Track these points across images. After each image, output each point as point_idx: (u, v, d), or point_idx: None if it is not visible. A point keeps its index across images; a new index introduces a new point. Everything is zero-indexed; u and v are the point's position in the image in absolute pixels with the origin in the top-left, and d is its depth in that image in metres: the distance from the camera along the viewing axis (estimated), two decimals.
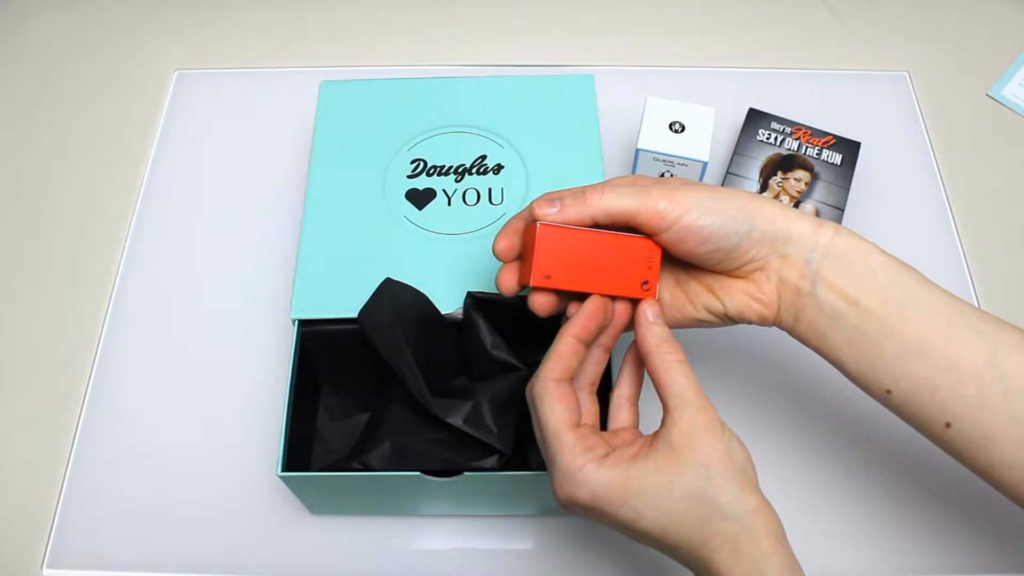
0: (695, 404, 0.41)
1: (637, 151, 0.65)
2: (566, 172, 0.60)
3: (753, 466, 0.42)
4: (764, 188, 0.67)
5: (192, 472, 0.59)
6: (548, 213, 0.43)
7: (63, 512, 0.58)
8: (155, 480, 0.59)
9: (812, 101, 0.77)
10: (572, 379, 0.43)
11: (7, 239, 0.71)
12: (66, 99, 0.79)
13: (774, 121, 0.71)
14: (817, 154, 0.69)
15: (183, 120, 0.77)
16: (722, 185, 0.68)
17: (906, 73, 0.80)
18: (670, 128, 0.65)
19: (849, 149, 0.70)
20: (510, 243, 0.45)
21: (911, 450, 0.59)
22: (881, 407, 0.45)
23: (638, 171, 0.65)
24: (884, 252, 0.44)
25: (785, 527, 0.41)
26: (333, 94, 0.64)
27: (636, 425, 0.45)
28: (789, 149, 0.69)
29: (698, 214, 0.42)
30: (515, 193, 0.59)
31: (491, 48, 0.82)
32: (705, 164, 0.63)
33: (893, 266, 0.43)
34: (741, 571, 0.39)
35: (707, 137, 0.65)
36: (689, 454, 0.40)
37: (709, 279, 0.46)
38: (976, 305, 0.65)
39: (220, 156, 0.75)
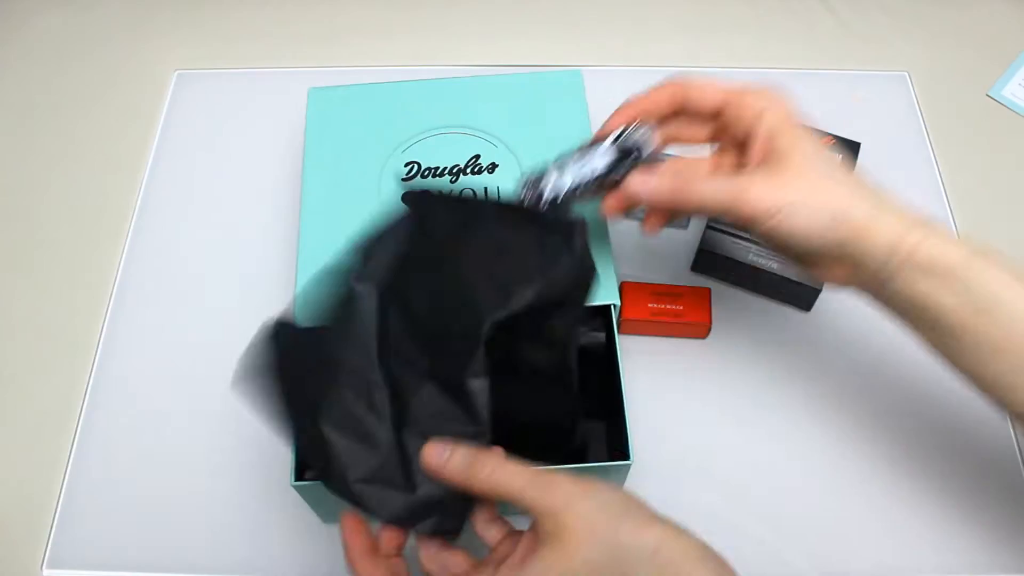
0: (540, 494, 0.39)
1: None
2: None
3: (635, 500, 0.40)
4: None
5: (193, 473, 0.59)
6: (637, 191, 0.47)
7: (63, 512, 0.58)
8: (155, 480, 0.59)
9: (812, 101, 0.77)
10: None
11: (7, 239, 0.71)
12: (66, 99, 0.79)
13: None
14: None
15: (183, 120, 0.77)
16: None
17: (906, 73, 0.80)
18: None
19: (849, 149, 0.69)
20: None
21: (913, 449, 0.60)
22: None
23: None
24: (973, 255, 0.43)
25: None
26: (322, 101, 0.64)
27: (509, 531, 0.44)
28: None
29: (786, 221, 0.44)
30: (511, 191, 0.59)
31: (491, 48, 0.82)
32: None
33: (980, 273, 0.43)
34: None
35: None
36: (572, 535, 0.38)
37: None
38: None
39: (220, 156, 0.75)
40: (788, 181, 0.44)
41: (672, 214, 0.51)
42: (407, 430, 0.45)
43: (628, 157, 0.49)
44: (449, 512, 0.43)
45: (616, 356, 0.54)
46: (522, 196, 0.49)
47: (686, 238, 0.69)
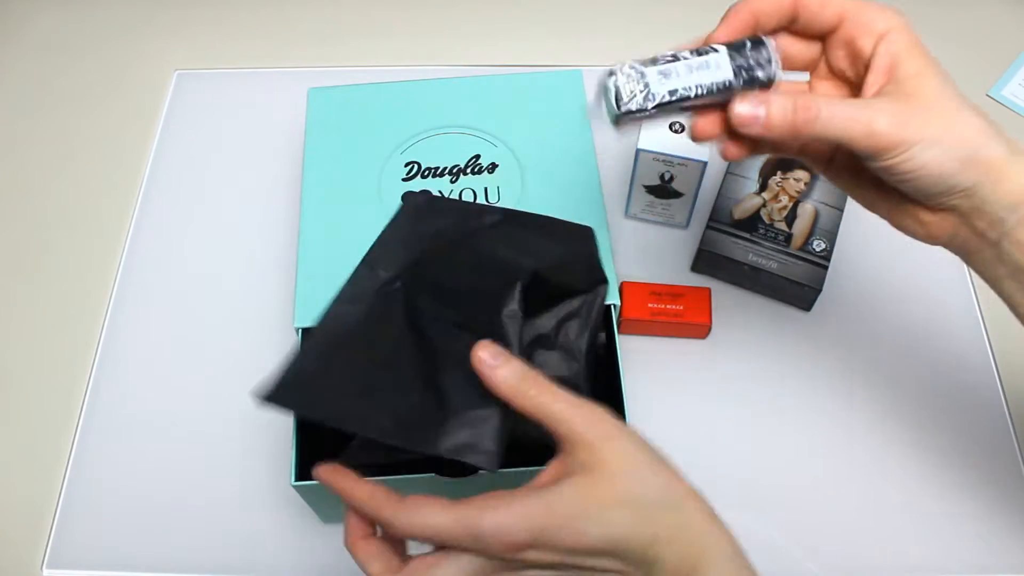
0: (584, 423, 0.38)
1: (637, 151, 0.65)
2: (561, 168, 0.60)
3: (659, 451, 0.40)
4: (764, 188, 0.67)
5: (193, 473, 0.59)
6: (748, 123, 0.40)
7: (63, 512, 0.58)
8: (155, 481, 0.59)
9: None
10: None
11: (8, 239, 0.71)
12: (66, 99, 0.79)
13: None
14: None
15: (183, 120, 0.77)
16: (723, 183, 0.67)
17: None
18: (670, 128, 0.65)
19: None
20: (731, 35, 0.42)
21: (913, 449, 0.60)
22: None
23: (638, 172, 0.65)
24: None
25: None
26: (322, 101, 0.64)
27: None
28: None
29: (918, 157, 0.38)
30: (511, 191, 0.59)
31: (491, 48, 0.82)
32: (705, 164, 0.63)
33: None
34: (686, 568, 0.37)
35: None
36: (607, 466, 0.38)
37: (888, 189, 0.42)
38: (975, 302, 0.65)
39: (220, 156, 0.75)
40: (921, 113, 0.39)
41: (775, 146, 0.44)
42: (442, 373, 0.44)
43: (748, 79, 0.41)
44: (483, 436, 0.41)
45: (616, 356, 0.54)
46: (611, 97, 0.41)
47: (686, 238, 0.69)
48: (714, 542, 0.38)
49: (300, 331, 0.54)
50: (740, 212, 0.66)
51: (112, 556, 0.57)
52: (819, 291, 0.63)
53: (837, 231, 0.65)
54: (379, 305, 0.47)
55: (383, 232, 0.51)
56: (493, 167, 0.60)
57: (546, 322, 0.51)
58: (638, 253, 0.68)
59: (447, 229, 0.51)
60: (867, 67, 0.41)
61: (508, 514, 0.36)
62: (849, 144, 0.39)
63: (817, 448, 0.60)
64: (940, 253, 0.69)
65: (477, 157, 0.61)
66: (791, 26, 0.43)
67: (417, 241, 0.50)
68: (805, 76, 0.45)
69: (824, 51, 0.43)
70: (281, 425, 0.60)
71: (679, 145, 0.64)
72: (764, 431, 0.61)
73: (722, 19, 0.43)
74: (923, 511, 0.58)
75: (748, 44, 0.41)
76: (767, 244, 0.64)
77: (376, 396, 0.43)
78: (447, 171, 0.60)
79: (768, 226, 0.65)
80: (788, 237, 0.64)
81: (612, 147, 0.74)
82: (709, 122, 0.42)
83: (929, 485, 0.58)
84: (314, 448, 0.51)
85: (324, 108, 0.64)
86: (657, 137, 0.65)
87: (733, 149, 0.42)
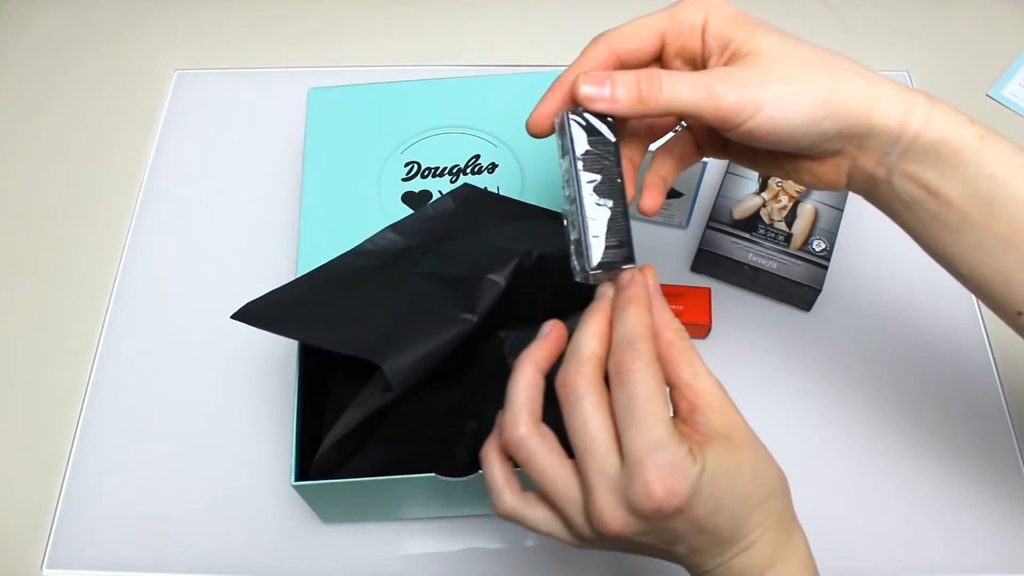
0: (719, 390, 0.39)
1: None
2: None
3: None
4: (763, 187, 0.67)
5: (193, 473, 0.59)
6: (595, 99, 0.38)
7: (63, 512, 0.58)
8: (155, 481, 0.59)
9: None
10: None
11: (7, 239, 0.71)
12: (66, 99, 0.79)
13: None
14: None
15: (183, 120, 0.77)
16: (723, 183, 0.67)
17: (906, 73, 0.80)
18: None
19: None
20: (544, 118, 0.40)
21: (913, 448, 0.60)
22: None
23: (638, 171, 0.65)
24: (985, 137, 0.39)
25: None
26: (322, 101, 0.64)
27: None
28: None
29: (770, 113, 0.37)
30: (511, 191, 0.59)
31: (491, 48, 0.82)
32: (705, 163, 0.63)
33: (992, 157, 0.38)
34: (779, 552, 0.37)
35: None
36: (737, 437, 0.37)
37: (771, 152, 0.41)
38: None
39: (220, 156, 0.75)
40: (765, 68, 0.38)
41: (646, 137, 0.44)
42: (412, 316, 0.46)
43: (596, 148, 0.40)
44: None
45: None
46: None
47: (686, 238, 0.69)
48: (799, 539, 0.39)
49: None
50: (740, 212, 0.66)
51: (112, 556, 0.57)
52: (819, 291, 0.63)
53: (837, 231, 0.65)
54: (387, 261, 0.49)
55: (421, 209, 0.53)
56: (493, 167, 0.60)
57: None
58: (638, 253, 0.68)
59: (487, 220, 0.52)
60: (705, 62, 0.40)
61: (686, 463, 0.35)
62: (696, 114, 0.38)
63: (817, 447, 0.60)
64: None
65: (477, 157, 0.61)
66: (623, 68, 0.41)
67: (449, 221, 0.51)
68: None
69: (668, 61, 0.42)
70: (281, 425, 0.60)
71: None
72: (763, 431, 0.61)
73: (542, 99, 0.41)
74: (923, 510, 0.58)
75: (565, 124, 0.40)
76: (767, 244, 0.64)
77: (345, 325, 0.45)
78: (447, 171, 0.60)
79: (768, 226, 0.65)
80: (788, 237, 0.64)
81: None
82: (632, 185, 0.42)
83: (929, 484, 0.58)
84: (314, 448, 0.52)
85: (324, 108, 0.64)
86: None
87: (649, 200, 0.44)
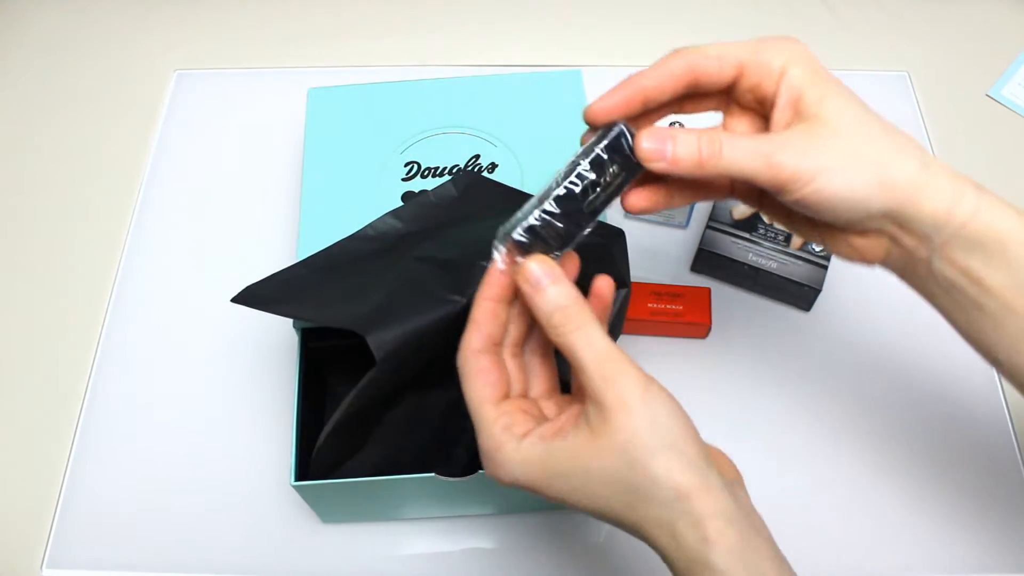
0: (604, 377, 0.36)
1: None
2: (560, 167, 0.60)
3: (692, 436, 0.37)
4: None
5: (193, 473, 0.59)
6: (654, 159, 0.39)
7: (63, 512, 0.58)
8: (155, 481, 0.59)
9: None
10: (498, 345, 0.40)
11: (7, 239, 0.71)
12: (66, 99, 0.79)
13: None
14: None
15: (183, 120, 0.77)
16: None
17: (906, 73, 0.80)
18: (670, 126, 0.65)
19: None
20: (602, 115, 0.40)
21: (913, 448, 0.60)
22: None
23: None
24: None
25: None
26: (322, 101, 0.64)
27: (549, 390, 0.42)
28: None
29: (822, 185, 0.37)
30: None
31: (491, 48, 0.82)
32: None
33: None
34: (683, 559, 0.36)
35: None
36: (605, 436, 0.36)
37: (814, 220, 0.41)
38: None
39: (220, 156, 0.75)
40: (825, 140, 0.38)
41: (676, 195, 0.43)
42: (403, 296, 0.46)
43: (610, 160, 0.40)
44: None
45: None
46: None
47: (686, 238, 0.69)
48: (721, 553, 0.35)
49: (299, 331, 0.54)
50: (740, 212, 0.66)
51: (112, 556, 0.57)
52: (819, 291, 0.63)
53: None
54: (386, 245, 0.50)
55: (423, 195, 0.54)
56: (493, 167, 0.60)
57: None
58: (638, 253, 0.68)
59: (487, 209, 0.52)
60: (772, 106, 0.40)
61: (514, 456, 0.37)
62: (753, 179, 0.38)
63: (817, 448, 0.60)
64: None
65: (477, 157, 0.61)
66: (697, 90, 0.42)
67: (450, 208, 0.52)
68: (718, 116, 0.44)
69: (733, 98, 0.42)
70: (281, 425, 0.60)
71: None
72: (764, 431, 0.61)
73: (606, 94, 0.41)
74: (923, 510, 0.58)
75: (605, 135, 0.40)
76: (767, 244, 0.64)
77: (337, 303, 0.46)
78: (447, 171, 0.60)
79: (768, 226, 0.65)
80: (788, 237, 0.64)
81: None
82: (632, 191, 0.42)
83: (929, 484, 0.58)
84: (314, 448, 0.52)
85: (324, 108, 0.64)
86: None
87: (636, 200, 0.42)
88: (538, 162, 0.60)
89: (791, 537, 0.57)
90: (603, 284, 0.42)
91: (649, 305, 0.62)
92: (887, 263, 0.42)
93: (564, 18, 0.84)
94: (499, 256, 0.40)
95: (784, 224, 0.44)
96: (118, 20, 0.85)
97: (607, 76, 0.77)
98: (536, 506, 0.57)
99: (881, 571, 0.56)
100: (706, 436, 0.60)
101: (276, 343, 0.64)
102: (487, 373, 0.39)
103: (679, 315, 0.62)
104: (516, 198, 0.53)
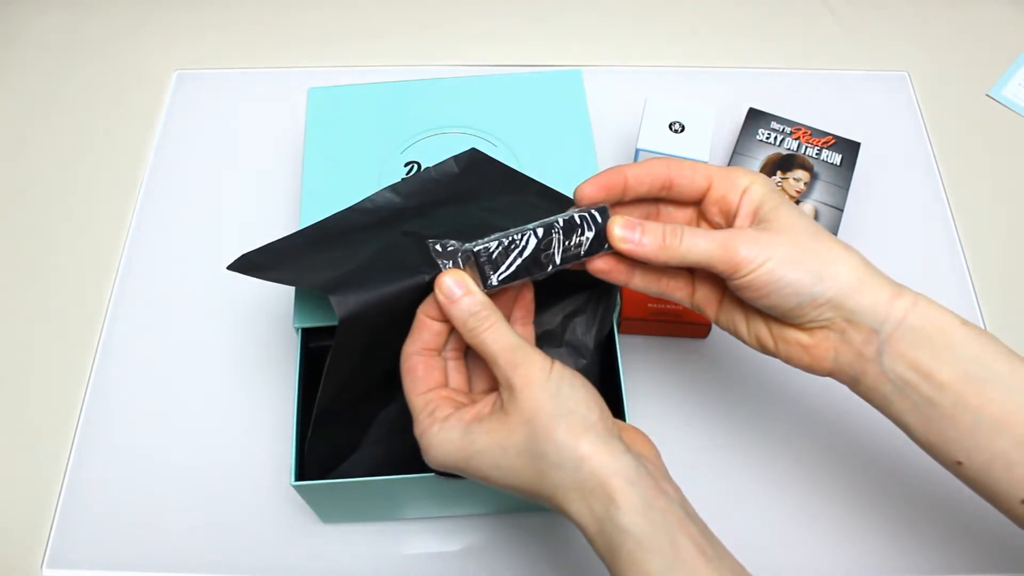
0: (511, 363, 0.40)
1: (637, 151, 0.65)
2: (560, 168, 0.60)
3: (595, 406, 0.40)
4: None
5: (193, 473, 0.59)
6: (624, 240, 0.44)
7: (63, 512, 0.58)
8: (155, 481, 0.59)
9: (812, 101, 0.77)
10: (433, 350, 0.44)
11: (7, 239, 0.71)
12: (66, 99, 0.79)
13: (774, 121, 0.71)
14: (817, 154, 0.69)
15: (183, 120, 0.77)
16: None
17: (906, 73, 0.80)
18: (670, 128, 0.65)
19: (849, 149, 0.69)
20: (587, 197, 0.45)
21: (913, 448, 0.60)
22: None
23: None
24: (965, 323, 0.42)
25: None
26: (321, 101, 0.64)
27: (490, 388, 0.45)
28: (789, 149, 0.69)
29: (772, 267, 0.42)
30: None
31: (491, 48, 0.82)
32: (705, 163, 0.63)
33: (974, 340, 0.41)
34: (594, 523, 0.38)
35: (707, 137, 0.65)
36: (515, 413, 0.40)
37: (767, 317, 0.45)
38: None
39: (220, 156, 0.75)
40: (775, 236, 0.43)
41: (638, 275, 0.47)
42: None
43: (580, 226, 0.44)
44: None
45: (616, 356, 0.54)
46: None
47: None
48: (628, 512, 0.37)
49: (299, 330, 0.54)
50: None
51: (112, 556, 0.57)
52: None
53: (837, 231, 0.65)
54: (381, 219, 0.51)
55: (424, 170, 0.54)
56: None
57: (551, 318, 0.52)
58: None
59: (485, 189, 0.53)
60: (735, 216, 0.45)
61: (437, 437, 0.42)
62: (709, 263, 0.43)
63: (817, 447, 0.60)
64: (941, 256, 0.69)
65: None
66: (667, 194, 0.46)
67: (449, 185, 0.53)
68: None
69: (699, 212, 0.47)
70: (281, 425, 0.60)
71: (679, 144, 0.65)
72: (764, 430, 0.61)
73: (592, 179, 0.45)
74: (923, 510, 0.58)
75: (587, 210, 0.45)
76: None
77: (319, 270, 0.47)
78: None
79: None
80: None
81: (612, 147, 0.74)
82: (602, 261, 0.46)
83: (929, 484, 0.58)
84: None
85: (324, 108, 0.64)
86: (656, 136, 0.65)
87: (601, 263, 0.46)
88: (538, 162, 0.60)
89: (789, 535, 0.57)
90: (526, 291, 0.46)
91: (649, 305, 0.62)
92: (837, 366, 0.44)
93: (564, 18, 0.84)
94: (444, 267, 0.44)
95: (740, 333, 0.47)
96: (118, 20, 0.85)
97: (607, 76, 0.77)
98: (535, 506, 0.57)
99: (881, 570, 0.56)
100: (706, 435, 0.61)
101: (276, 343, 0.64)
102: (414, 370, 0.44)
103: (679, 315, 0.62)
104: (515, 178, 0.54)
